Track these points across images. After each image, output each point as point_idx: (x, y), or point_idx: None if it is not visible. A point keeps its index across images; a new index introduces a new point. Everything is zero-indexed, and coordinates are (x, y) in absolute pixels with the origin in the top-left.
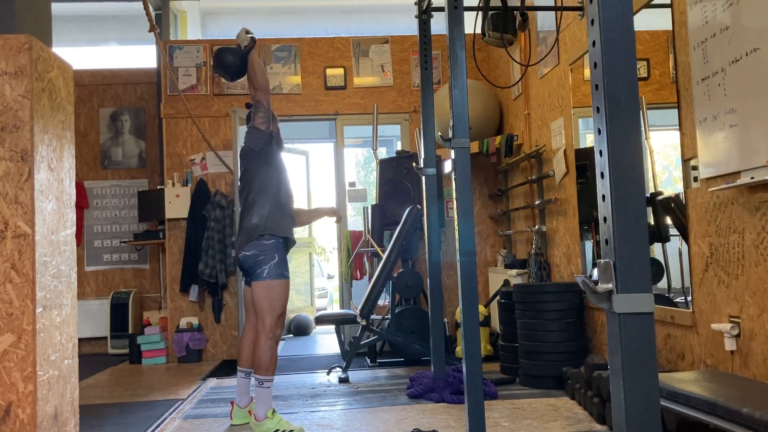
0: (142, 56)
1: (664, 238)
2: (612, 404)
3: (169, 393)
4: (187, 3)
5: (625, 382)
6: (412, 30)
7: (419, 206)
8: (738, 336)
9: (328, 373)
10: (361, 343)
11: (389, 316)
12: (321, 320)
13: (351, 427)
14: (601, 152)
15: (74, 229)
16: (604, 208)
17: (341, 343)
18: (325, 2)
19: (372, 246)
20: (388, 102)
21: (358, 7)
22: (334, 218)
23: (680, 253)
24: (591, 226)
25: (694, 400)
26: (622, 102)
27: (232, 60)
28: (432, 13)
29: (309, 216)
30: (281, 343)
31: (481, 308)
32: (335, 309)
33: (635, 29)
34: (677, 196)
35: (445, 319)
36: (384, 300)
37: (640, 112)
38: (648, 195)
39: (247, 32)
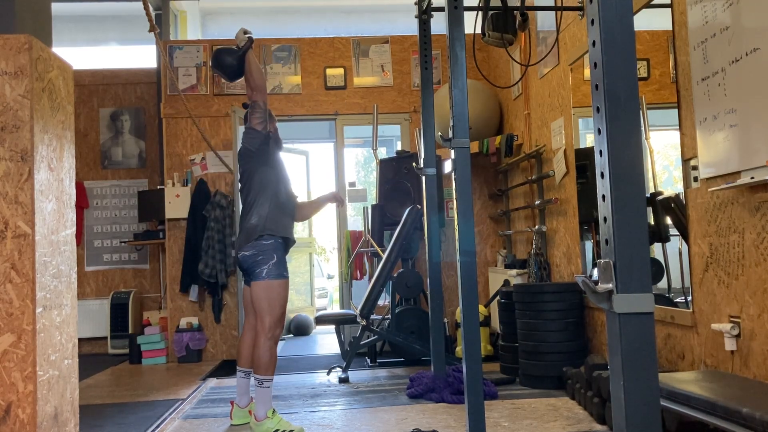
0: (142, 56)
1: (664, 238)
2: (612, 404)
3: (169, 393)
4: (187, 3)
5: (625, 382)
6: (412, 30)
7: (419, 206)
8: (738, 336)
9: (328, 373)
10: (361, 343)
11: (389, 316)
12: (321, 320)
13: (351, 427)
14: (601, 152)
15: (74, 229)
16: (604, 208)
17: (341, 343)
18: (325, 2)
19: (372, 246)
20: (388, 102)
21: (358, 7)
22: (335, 204)
23: (680, 253)
24: (591, 226)
25: (694, 400)
26: (622, 102)
27: (230, 60)
28: (432, 13)
29: (311, 207)
30: (281, 343)
31: (481, 308)
32: (335, 309)
33: (635, 29)
34: (677, 196)
35: (445, 319)
36: (384, 300)
37: (640, 112)
38: (648, 195)
39: (245, 32)
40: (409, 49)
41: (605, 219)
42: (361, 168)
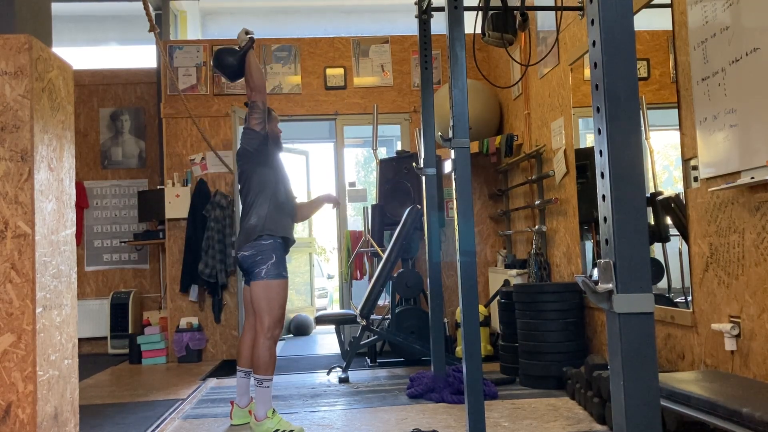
0: (142, 56)
1: (664, 238)
2: (612, 404)
3: (169, 393)
4: (187, 3)
5: (625, 382)
6: (412, 30)
7: (419, 206)
8: (738, 336)
9: (328, 373)
10: (361, 343)
11: (389, 316)
12: (321, 320)
13: (351, 427)
14: (601, 152)
15: (74, 229)
16: (604, 208)
17: (341, 343)
18: (325, 2)
19: (372, 246)
20: (388, 102)
21: (358, 7)
22: (331, 205)
23: (680, 253)
24: (591, 226)
25: (694, 400)
26: (622, 102)
27: (230, 60)
28: (432, 13)
29: (310, 208)
30: (281, 343)
31: (481, 308)
32: (335, 309)
33: (635, 29)
34: (677, 196)
35: (445, 319)
36: (384, 300)
37: (640, 112)
38: (648, 195)
39: (247, 32)
40: (409, 49)
41: (605, 219)
42: (361, 168)
